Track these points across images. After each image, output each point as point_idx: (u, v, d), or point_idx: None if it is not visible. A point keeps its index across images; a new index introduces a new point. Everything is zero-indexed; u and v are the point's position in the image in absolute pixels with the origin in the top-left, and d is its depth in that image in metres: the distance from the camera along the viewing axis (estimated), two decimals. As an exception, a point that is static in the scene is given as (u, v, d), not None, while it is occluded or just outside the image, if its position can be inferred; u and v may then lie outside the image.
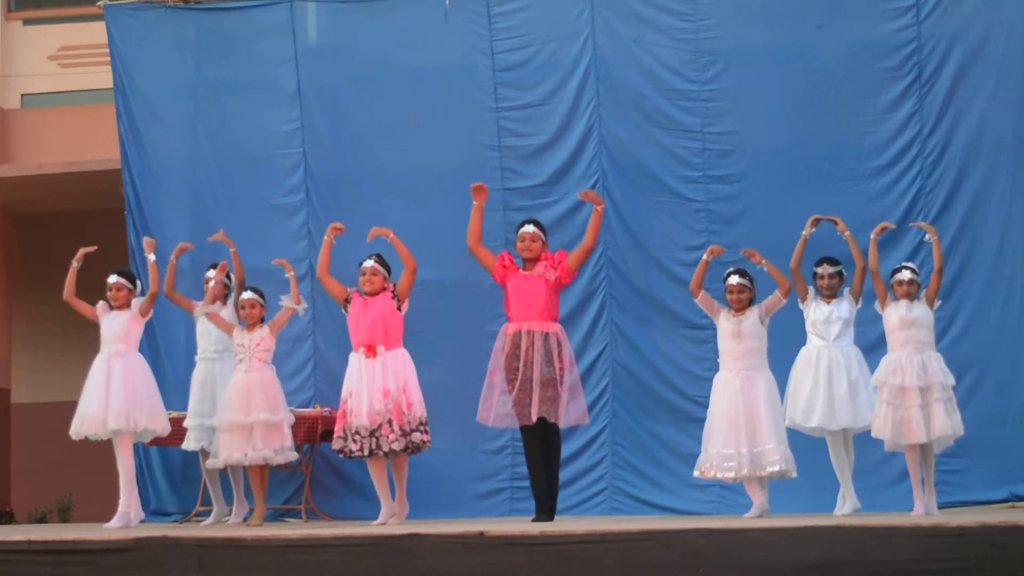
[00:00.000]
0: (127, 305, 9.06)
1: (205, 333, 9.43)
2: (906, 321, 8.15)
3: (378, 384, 8.23)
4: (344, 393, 8.40)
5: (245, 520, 9.22)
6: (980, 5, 9.86)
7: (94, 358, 9.02)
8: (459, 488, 10.03)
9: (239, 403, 8.83)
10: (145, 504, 9.72)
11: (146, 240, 9.42)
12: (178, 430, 9.42)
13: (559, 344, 8.21)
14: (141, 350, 9.17)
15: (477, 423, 8.42)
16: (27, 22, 14.92)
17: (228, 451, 8.85)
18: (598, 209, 8.46)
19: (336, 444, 8.34)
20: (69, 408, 9.04)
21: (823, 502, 8.63)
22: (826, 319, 8.52)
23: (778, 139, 10.02)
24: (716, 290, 8.76)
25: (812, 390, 8.42)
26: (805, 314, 8.59)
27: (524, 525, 7.60)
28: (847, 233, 8.60)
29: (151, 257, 9.16)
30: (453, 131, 10.47)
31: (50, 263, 13.82)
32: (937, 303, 8.35)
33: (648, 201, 10.18)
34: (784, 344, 8.62)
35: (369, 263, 8.50)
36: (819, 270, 8.65)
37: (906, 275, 8.30)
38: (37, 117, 14.62)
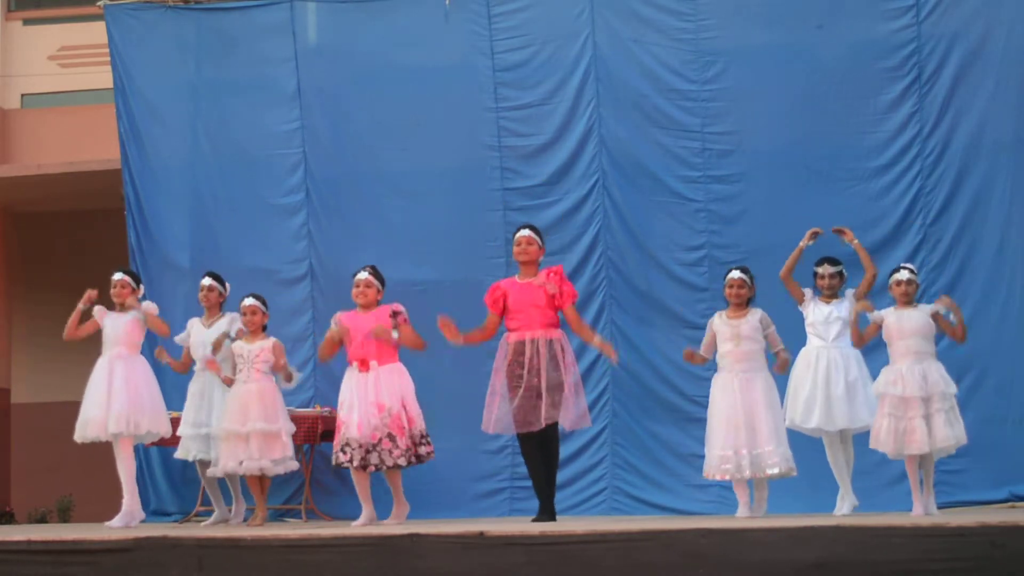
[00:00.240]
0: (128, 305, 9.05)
1: (200, 344, 9.39)
2: (904, 331, 8.11)
3: (371, 399, 8.19)
4: (339, 406, 8.39)
5: (245, 520, 9.22)
6: (980, 5, 9.86)
7: (94, 358, 9.01)
8: (459, 488, 10.03)
9: (236, 412, 8.83)
10: (145, 504, 9.72)
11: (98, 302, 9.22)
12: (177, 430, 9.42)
13: (563, 349, 8.22)
14: (142, 351, 9.16)
15: (477, 423, 8.42)
16: (27, 22, 14.92)
17: (225, 460, 8.85)
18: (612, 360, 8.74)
19: (333, 460, 8.35)
20: (69, 408, 9.04)
21: (823, 502, 8.63)
22: (825, 319, 8.52)
23: (778, 139, 10.02)
24: (716, 290, 8.75)
25: (811, 391, 8.41)
26: (804, 315, 8.59)
27: (524, 525, 7.60)
28: (855, 242, 8.59)
29: (141, 312, 9.08)
30: (453, 131, 10.48)
31: (50, 263, 13.92)
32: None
33: (648, 201, 10.18)
34: (785, 345, 8.62)
35: (363, 275, 8.44)
36: (819, 270, 8.65)
37: (904, 275, 8.27)
38: (37, 117, 14.63)
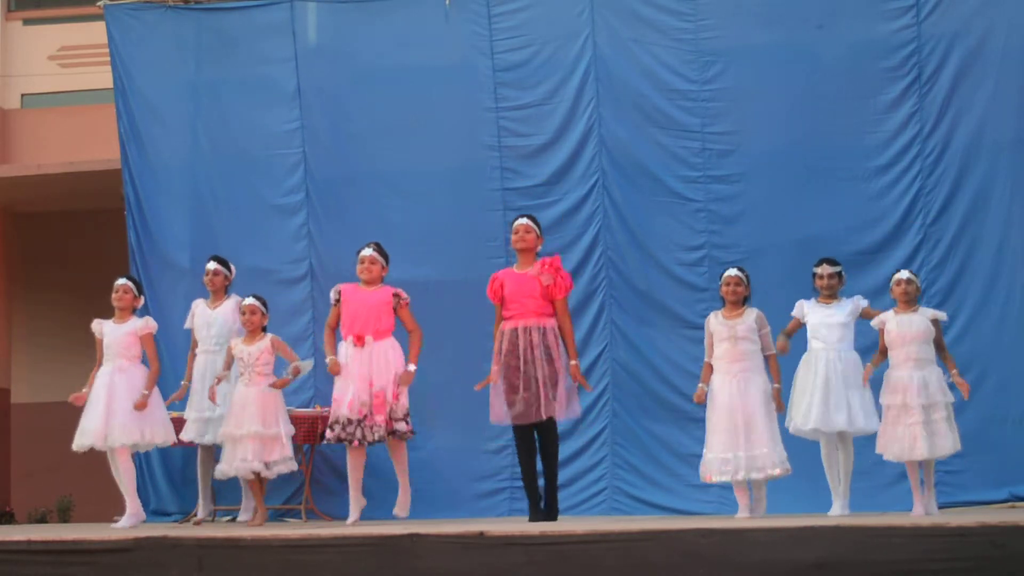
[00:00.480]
0: (128, 311, 9.03)
1: (205, 326, 9.45)
2: (906, 337, 8.12)
3: (364, 374, 8.25)
4: (335, 384, 8.44)
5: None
6: (980, 5, 9.86)
7: (94, 358, 9.01)
8: (459, 488, 10.02)
9: (235, 416, 8.85)
10: (145, 504, 9.71)
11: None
12: (178, 430, 9.40)
13: (556, 338, 8.26)
14: (144, 362, 9.14)
15: (477, 423, 8.44)
16: (27, 22, 14.92)
17: (226, 463, 8.87)
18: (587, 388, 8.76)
19: (327, 433, 8.40)
20: (69, 408, 9.03)
21: (823, 502, 8.63)
22: (825, 323, 8.51)
23: (778, 139, 10.02)
24: (715, 290, 8.74)
25: (811, 394, 8.42)
26: (806, 321, 8.59)
27: (524, 525, 7.61)
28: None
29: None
30: (453, 131, 10.48)
31: (50, 263, 13.92)
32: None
33: (648, 201, 10.18)
34: (792, 365, 8.62)
35: (367, 252, 8.54)
36: (818, 270, 8.65)
37: (904, 274, 8.30)
38: (37, 117, 14.62)
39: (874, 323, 8.34)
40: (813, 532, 6.63)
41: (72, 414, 8.98)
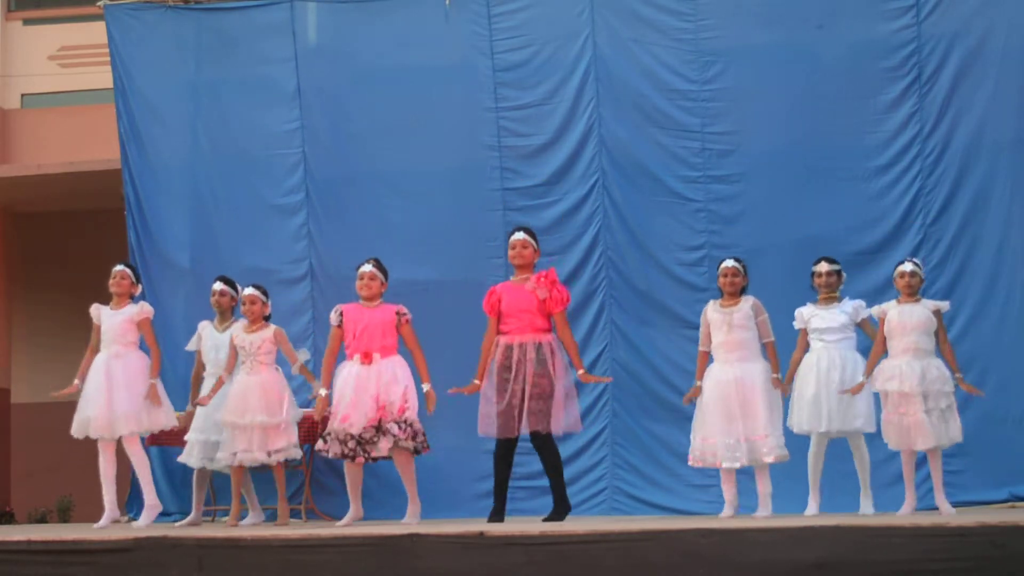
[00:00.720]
0: (125, 297, 9.03)
1: (213, 348, 9.38)
2: (906, 326, 8.13)
3: (371, 391, 8.20)
4: (334, 398, 8.38)
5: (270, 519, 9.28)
6: (980, 5, 9.86)
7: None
8: (459, 488, 10.03)
9: (237, 404, 8.83)
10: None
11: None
12: (179, 430, 9.40)
13: (552, 353, 8.18)
14: (142, 348, 9.14)
15: (477, 423, 8.41)
16: (27, 22, 14.92)
17: (226, 451, 8.85)
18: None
19: (318, 444, 8.35)
20: (69, 408, 9.03)
21: (824, 502, 8.65)
22: (826, 324, 8.52)
23: (778, 139, 10.02)
24: (715, 290, 8.74)
25: (814, 394, 8.43)
26: (807, 326, 8.58)
27: (524, 525, 7.60)
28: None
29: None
30: (453, 131, 10.48)
31: (50, 263, 13.92)
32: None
33: (648, 201, 10.18)
34: (789, 352, 8.62)
35: (367, 268, 8.45)
36: (817, 268, 8.67)
37: (908, 267, 8.29)
38: (37, 117, 14.63)
39: (875, 311, 8.35)
40: (813, 532, 6.63)
41: (72, 414, 8.97)
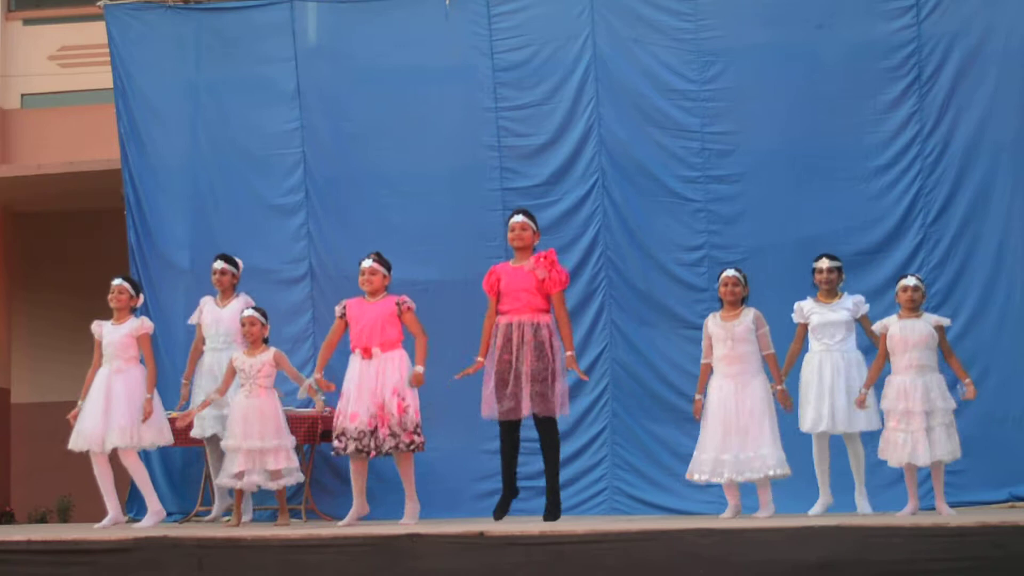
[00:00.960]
0: (126, 311, 9.02)
1: (213, 323, 9.44)
2: (908, 343, 8.11)
3: (371, 386, 8.22)
4: (341, 395, 8.41)
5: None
6: (980, 5, 9.86)
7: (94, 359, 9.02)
8: (459, 488, 10.03)
9: (237, 428, 8.82)
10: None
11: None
12: (178, 430, 9.39)
13: (551, 335, 8.17)
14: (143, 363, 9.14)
15: (477, 423, 8.43)
16: (27, 22, 14.92)
17: (226, 472, 8.87)
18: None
19: (333, 444, 8.37)
20: (69, 408, 9.03)
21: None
22: (827, 322, 8.52)
23: (778, 139, 10.02)
24: (715, 290, 8.74)
25: (817, 396, 8.43)
26: (807, 321, 8.59)
27: (524, 525, 7.60)
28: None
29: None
30: (453, 131, 10.48)
31: (50, 263, 13.92)
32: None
33: (648, 201, 10.18)
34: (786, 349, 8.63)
35: (368, 263, 8.48)
36: (818, 264, 8.67)
37: (911, 281, 8.26)
38: (37, 117, 14.62)
39: (876, 328, 8.34)
40: (813, 532, 6.63)
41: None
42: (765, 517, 8.14)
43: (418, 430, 8.29)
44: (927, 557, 6.42)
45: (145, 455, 10.22)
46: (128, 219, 10.89)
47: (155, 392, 8.94)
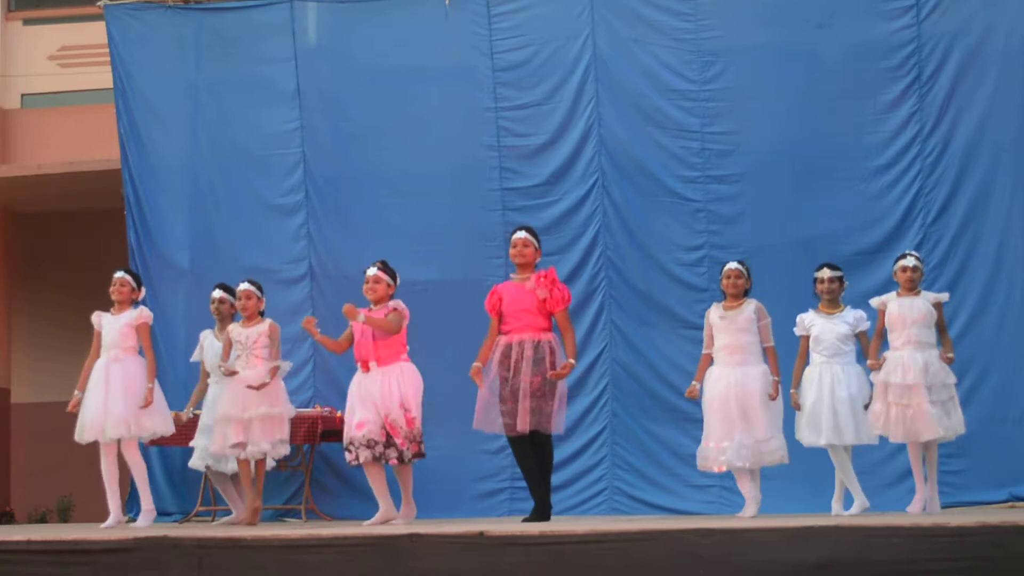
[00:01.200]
0: (127, 304, 9.03)
1: (215, 356, 9.34)
2: (907, 319, 8.15)
3: (369, 399, 8.17)
4: (347, 407, 8.38)
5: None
6: (980, 5, 9.87)
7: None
8: (459, 488, 10.03)
9: (236, 398, 8.77)
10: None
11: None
12: (179, 429, 9.40)
13: (551, 352, 8.13)
14: (142, 354, 9.13)
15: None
16: (27, 22, 14.92)
17: (218, 444, 8.81)
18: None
19: (346, 456, 8.31)
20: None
21: (823, 502, 8.64)
22: (828, 335, 8.46)
23: (778, 139, 10.02)
24: (715, 290, 8.75)
25: (816, 407, 8.38)
26: (809, 333, 8.56)
27: (524, 525, 7.60)
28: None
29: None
30: (453, 131, 10.48)
31: (50, 263, 13.93)
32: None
33: (648, 201, 10.18)
34: (791, 358, 8.61)
35: (372, 271, 8.37)
36: (819, 274, 8.60)
37: (910, 261, 8.31)
38: (37, 117, 14.63)
39: (874, 303, 8.36)
40: (813, 532, 6.62)
41: (72, 414, 8.97)
42: (750, 516, 8.08)
43: (421, 439, 8.28)
44: (927, 557, 6.41)
45: (145, 455, 10.25)
46: (128, 219, 10.89)
47: (156, 382, 8.92)
